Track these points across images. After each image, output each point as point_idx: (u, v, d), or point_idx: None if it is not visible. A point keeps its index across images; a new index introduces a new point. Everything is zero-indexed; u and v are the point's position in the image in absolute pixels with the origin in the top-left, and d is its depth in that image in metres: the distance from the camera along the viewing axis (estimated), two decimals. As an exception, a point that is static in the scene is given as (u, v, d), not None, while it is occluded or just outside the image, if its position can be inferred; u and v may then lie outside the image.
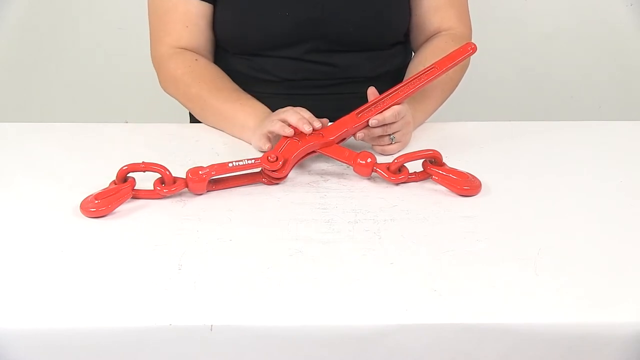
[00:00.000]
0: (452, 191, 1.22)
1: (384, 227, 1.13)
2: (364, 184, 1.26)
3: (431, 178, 1.25)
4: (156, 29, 1.51)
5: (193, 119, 1.57)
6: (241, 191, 1.23)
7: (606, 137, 1.43)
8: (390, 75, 1.56)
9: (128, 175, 1.21)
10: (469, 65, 1.55)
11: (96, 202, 1.15)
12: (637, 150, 1.39)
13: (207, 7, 1.49)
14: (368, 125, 1.31)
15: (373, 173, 1.26)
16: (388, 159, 1.27)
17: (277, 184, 1.25)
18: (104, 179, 1.21)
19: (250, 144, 1.37)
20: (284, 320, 0.95)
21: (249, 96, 1.44)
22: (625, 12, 2.40)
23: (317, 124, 1.29)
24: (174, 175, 1.20)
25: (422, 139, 1.40)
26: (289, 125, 1.29)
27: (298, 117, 1.29)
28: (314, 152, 1.30)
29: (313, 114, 1.32)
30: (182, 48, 1.49)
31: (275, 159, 1.23)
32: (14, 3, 2.35)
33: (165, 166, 1.20)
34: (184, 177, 1.20)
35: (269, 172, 1.24)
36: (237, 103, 1.42)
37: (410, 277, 1.02)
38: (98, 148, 1.37)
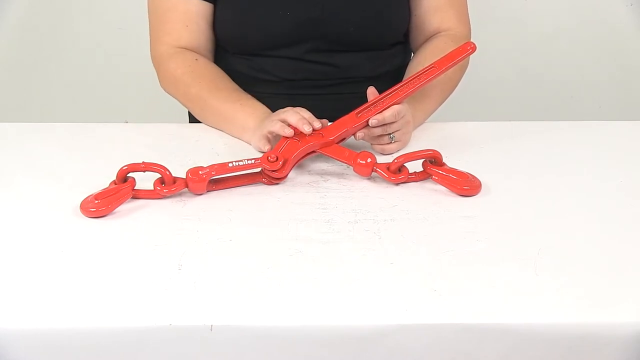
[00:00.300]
0: (452, 191, 1.22)
1: (384, 227, 1.13)
2: (364, 184, 1.25)
3: (431, 178, 1.25)
4: (156, 29, 1.51)
5: (192, 119, 1.57)
6: (241, 191, 1.23)
7: (606, 137, 1.43)
8: (390, 75, 1.56)
9: (128, 175, 1.21)
10: (469, 65, 1.55)
11: (96, 202, 1.15)
12: (637, 150, 1.39)
13: (207, 7, 1.49)
14: (368, 125, 1.31)
15: (373, 173, 1.26)
16: (388, 159, 1.27)
17: (277, 184, 1.25)
18: (104, 179, 1.21)
19: (250, 144, 1.37)
20: (284, 320, 0.95)
21: (249, 96, 1.44)
22: (625, 12, 2.40)
23: (317, 124, 1.29)
24: (174, 175, 1.20)
25: (422, 139, 1.40)
26: (289, 125, 1.29)
27: (298, 117, 1.29)
28: (314, 152, 1.30)
29: (313, 114, 1.32)
30: (182, 48, 1.49)
31: (275, 159, 1.23)
32: (14, 3, 2.35)
33: (165, 166, 1.20)
34: (184, 177, 1.20)
35: (269, 172, 1.24)
36: (237, 103, 1.42)
37: (410, 277, 1.02)
38: (98, 148, 1.37)
